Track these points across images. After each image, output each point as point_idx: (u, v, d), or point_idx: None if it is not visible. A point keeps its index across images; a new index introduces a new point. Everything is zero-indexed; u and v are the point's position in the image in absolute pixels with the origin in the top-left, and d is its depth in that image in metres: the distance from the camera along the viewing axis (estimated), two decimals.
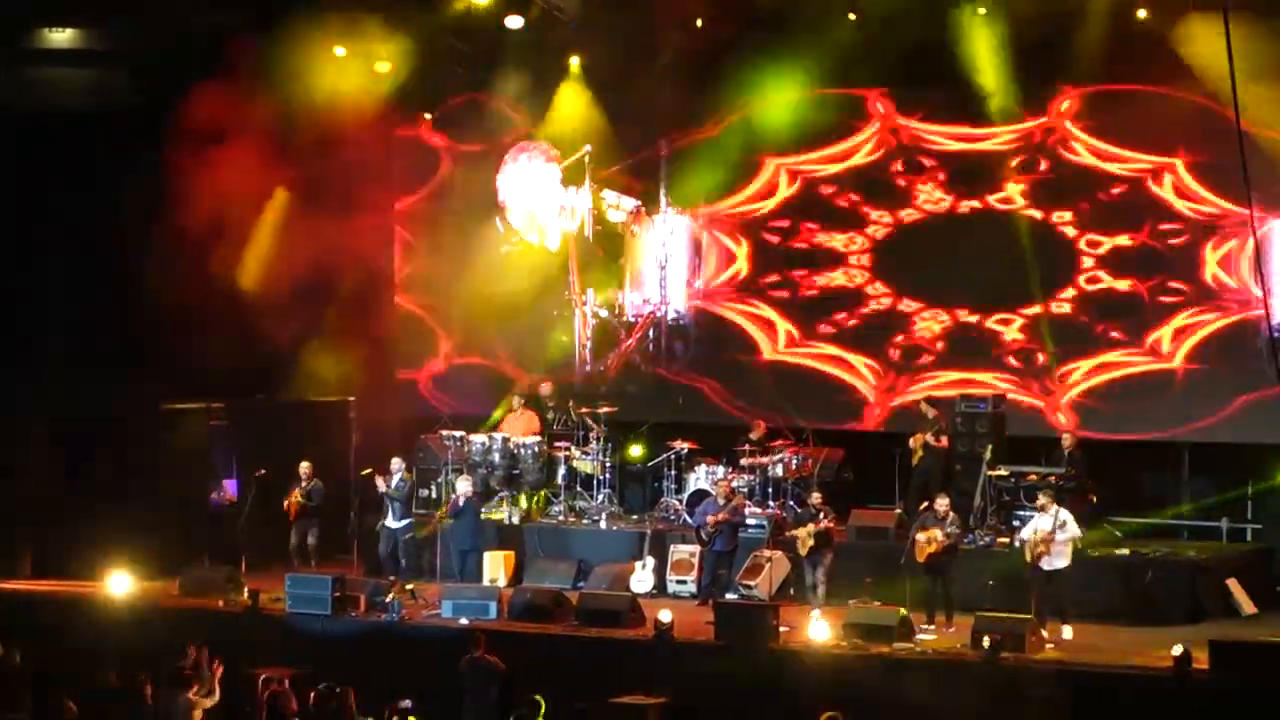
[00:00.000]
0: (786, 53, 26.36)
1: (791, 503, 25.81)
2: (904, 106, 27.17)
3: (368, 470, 26.12)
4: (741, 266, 28.24)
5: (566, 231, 28.56)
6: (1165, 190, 25.79)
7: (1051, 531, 21.98)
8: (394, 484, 25.56)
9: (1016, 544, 23.41)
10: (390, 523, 25.62)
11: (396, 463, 25.78)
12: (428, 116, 29.32)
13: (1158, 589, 23.26)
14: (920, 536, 22.68)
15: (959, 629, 22.03)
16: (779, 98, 26.99)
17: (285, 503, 25.91)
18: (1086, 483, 24.40)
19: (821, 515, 23.34)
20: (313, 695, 18.39)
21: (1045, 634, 21.66)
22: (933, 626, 22.42)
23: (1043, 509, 22.33)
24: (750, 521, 25.15)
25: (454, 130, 29.50)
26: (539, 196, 28.67)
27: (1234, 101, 17.96)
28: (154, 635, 22.88)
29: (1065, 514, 22.16)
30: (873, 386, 27.45)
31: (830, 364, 27.70)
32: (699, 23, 26.92)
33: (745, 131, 27.59)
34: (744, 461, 26.22)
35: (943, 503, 22.93)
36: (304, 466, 26.00)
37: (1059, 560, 22.06)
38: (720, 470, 25.86)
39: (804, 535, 23.28)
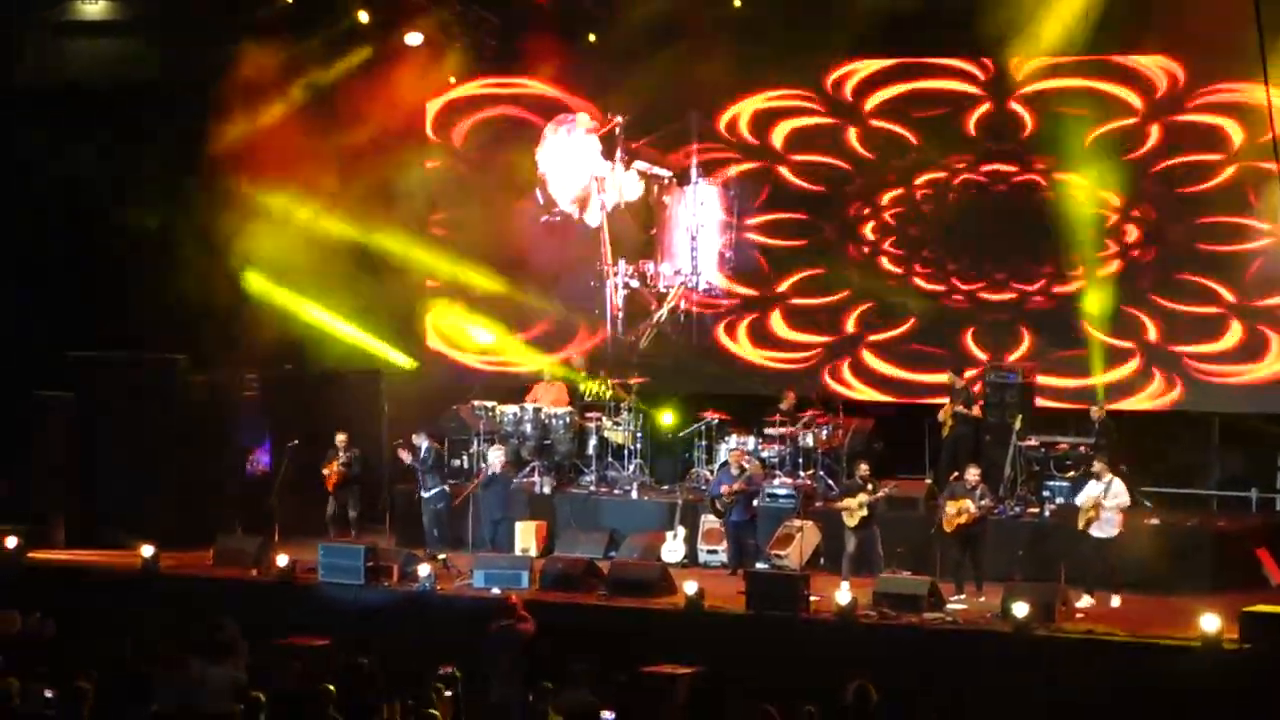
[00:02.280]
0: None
1: (822, 473, 25.85)
2: None
3: (398, 442, 26.25)
4: None
5: (602, 203, 28.59)
6: None
7: (1101, 497, 22.06)
8: (421, 455, 25.61)
9: (1047, 514, 23.63)
10: (422, 492, 25.70)
11: (419, 437, 25.77)
12: (452, 80, 29.25)
13: (1187, 559, 23.26)
14: (950, 507, 22.71)
15: (989, 599, 22.08)
16: None
17: (325, 471, 26.06)
18: (1115, 452, 24.38)
19: (870, 486, 23.32)
20: (343, 665, 18.44)
21: (1090, 601, 21.83)
22: (963, 596, 22.45)
23: (1097, 476, 22.39)
24: (780, 492, 25.20)
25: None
26: (577, 168, 28.69)
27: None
28: (188, 606, 22.95)
29: (1117, 482, 22.22)
30: None
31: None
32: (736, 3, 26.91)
33: None
34: (774, 432, 26.23)
35: (973, 473, 22.92)
36: (340, 438, 26.16)
37: (1109, 528, 22.15)
38: (751, 441, 25.89)
39: (854, 506, 23.27)
